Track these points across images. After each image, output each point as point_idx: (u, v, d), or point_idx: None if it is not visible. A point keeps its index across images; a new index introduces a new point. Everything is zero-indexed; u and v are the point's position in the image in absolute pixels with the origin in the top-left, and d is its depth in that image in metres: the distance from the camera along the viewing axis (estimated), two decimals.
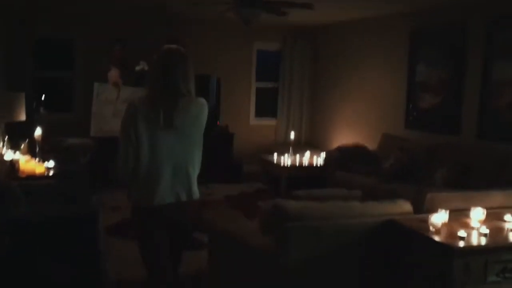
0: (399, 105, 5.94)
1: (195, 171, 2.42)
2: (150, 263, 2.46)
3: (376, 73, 6.42)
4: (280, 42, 7.55)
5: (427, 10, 5.51)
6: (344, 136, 6.99)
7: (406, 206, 2.82)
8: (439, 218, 2.50)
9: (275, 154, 6.69)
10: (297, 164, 6.46)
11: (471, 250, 2.32)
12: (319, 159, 6.54)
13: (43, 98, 7.05)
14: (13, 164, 3.97)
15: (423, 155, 5.16)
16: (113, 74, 5.73)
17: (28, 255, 3.14)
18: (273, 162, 6.56)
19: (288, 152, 6.72)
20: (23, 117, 4.11)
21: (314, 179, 6.28)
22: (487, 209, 2.79)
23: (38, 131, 4.19)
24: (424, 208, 2.81)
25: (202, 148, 2.44)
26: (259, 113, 7.77)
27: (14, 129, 4.27)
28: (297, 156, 6.59)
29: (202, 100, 2.42)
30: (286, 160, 6.50)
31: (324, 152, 6.60)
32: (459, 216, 2.71)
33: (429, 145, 5.22)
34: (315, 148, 7.29)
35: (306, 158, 6.59)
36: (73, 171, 4.60)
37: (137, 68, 5.83)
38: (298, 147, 7.14)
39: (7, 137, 4.12)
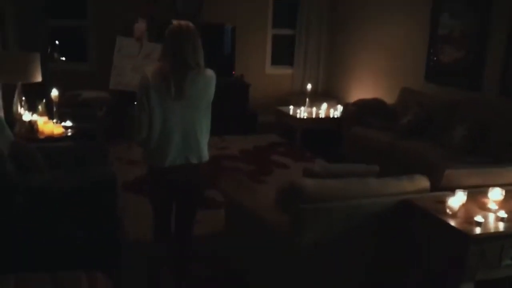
0: (419, 58, 5.76)
1: (203, 136, 2.64)
2: (157, 221, 2.77)
3: (397, 23, 6.17)
4: None
5: None
6: (362, 88, 6.87)
7: (423, 183, 2.80)
8: (457, 200, 2.49)
9: (291, 106, 6.64)
10: (313, 117, 6.42)
11: (487, 237, 2.33)
12: (336, 112, 6.48)
13: (57, 43, 6.99)
14: (31, 125, 4.02)
15: (443, 111, 5.07)
16: (140, 27, 5.52)
17: (45, 217, 3.24)
18: (289, 114, 6.53)
19: (304, 103, 6.66)
20: (39, 78, 4.08)
21: (330, 133, 6.27)
22: (506, 185, 2.78)
23: (54, 92, 4.19)
24: (442, 185, 2.80)
25: (211, 114, 2.72)
26: (276, 61, 7.61)
27: (30, 90, 4.26)
28: (313, 108, 6.53)
29: (210, 72, 2.63)
30: (302, 112, 6.46)
31: (341, 106, 6.53)
32: (477, 195, 2.70)
33: (449, 100, 5.11)
34: (332, 99, 7.20)
35: (322, 110, 6.53)
36: (90, 128, 4.64)
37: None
38: (315, 97, 7.06)
39: (24, 98, 4.12)
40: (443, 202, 2.54)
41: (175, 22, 2.58)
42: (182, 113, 2.52)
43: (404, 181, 2.79)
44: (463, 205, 2.54)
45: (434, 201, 2.61)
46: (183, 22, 2.56)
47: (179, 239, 2.85)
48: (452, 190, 2.65)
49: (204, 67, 2.58)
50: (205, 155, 2.66)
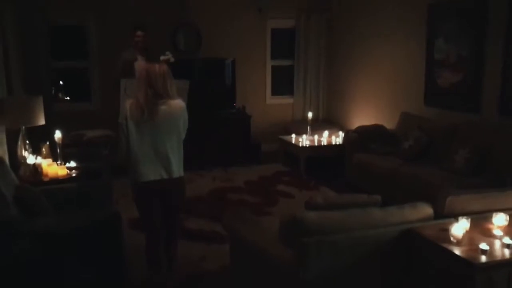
0: (418, 82, 5.81)
1: (175, 155, 3.16)
2: (145, 227, 3.38)
3: (394, 49, 6.26)
4: (294, 19, 7.39)
5: None
6: (363, 113, 6.91)
7: (426, 210, 2.79)
8: (460, 228, 2.48)
9: (293, 135, 6.68)
10: (316, 144, 6.45)
11: (494, 265, 2.31)
12: (338, 139, 6.51)
13: (61, 83, 7.11)
14: (35, 168, 4.05)
15: (443, 134, 5.09)
16: (140, 65, 5.55)
17: (51, 260, 3.24)
18: (292, 143, 6.57)
19: (306, 131, 6.70)
20: (42, 121, 4.14)
21: (333, 159, 6.28)
22: (510, 209, 2.76)
23: (58, 134, 4.24)
24: (445, 212, 2.79)
25: (184, 137, 3.27)
26: (276, 91, 7.70)
27: (34, 132, 4.32)
28: (316, 136, 6.57)
29: (178, 102, 3.19)
30: (305, 140, 6.49)
31: (342, 132, 6.56)
32: (481, 221, 2.69)
33: (449, 124, 5.13)
34: (333, 125, 7.24)
35: (324, 138, 6.56)
36: (96, 167, 4.67)
37: (162, 58, 5.51)
38: (316, 124, 7.11)
39: (28, 141, 4.18)
40: (447, 230, 2.53)
41: (148, 64, 3.20)
42: (155, 137, 3.09)
43: (407, 209, 2.79)
44: (467, 232, 2.53)
45: (438, 229, 2.60)
46: (155, 64, 3.16)
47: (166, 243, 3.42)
48: (455, 217, 2.64)
49: (175, 96, 3.15)
50: (175, 170, 3.16)
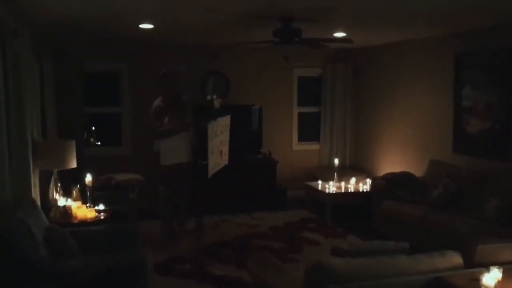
0: (446, 129, 5.78)
1: None
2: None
3: (421, 96, 6.27)
4: (320, 67, 7.53)
5: (472, 33, 5.36)
6: (390, 160, 6.86)
7: (455, 259, 2.72)
8: (492, 278, 2.41)
9: (320, 181, 6.65)
10: (342, 191, 6.40)
11: None
12: (365, 186, 6.45)
13: (93, 129, 7.32)
14: (66, 210, 4.15)
15: (473, 182, 5.00)
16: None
17: None
18: (318, 189, 6.53)
19: (332, 177, 6.67)
20: (74, 164, 4.28)
21: (360, 206, 6.21)
22: None
23: (88, 177, 4.36)
24: (475, 261, 2.71)
25: None
26: (303, 137, 7.75)
27: (66, 175, 4.45)
28: (342, 183, 6.52)
29: None
30: (331, 187, 6.45)
31: (370, 179, 6.50)
32: None
33: (478, 171, 5.04)
34: (360, 172, 7.19)
35: (351, 184, 6.51)
36: (123, 210, 4.75)
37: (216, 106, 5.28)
38: (343, 170, 7.07)
39: (59, 183, 4.30)
40: (477, 280, 2.46)
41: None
42: None
43: (436, 258, 2.72)
44: (499, 282, 2.45)
45: (468, 278, 2.53)
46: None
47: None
48: (486, 266, 2.57)
49: None
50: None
